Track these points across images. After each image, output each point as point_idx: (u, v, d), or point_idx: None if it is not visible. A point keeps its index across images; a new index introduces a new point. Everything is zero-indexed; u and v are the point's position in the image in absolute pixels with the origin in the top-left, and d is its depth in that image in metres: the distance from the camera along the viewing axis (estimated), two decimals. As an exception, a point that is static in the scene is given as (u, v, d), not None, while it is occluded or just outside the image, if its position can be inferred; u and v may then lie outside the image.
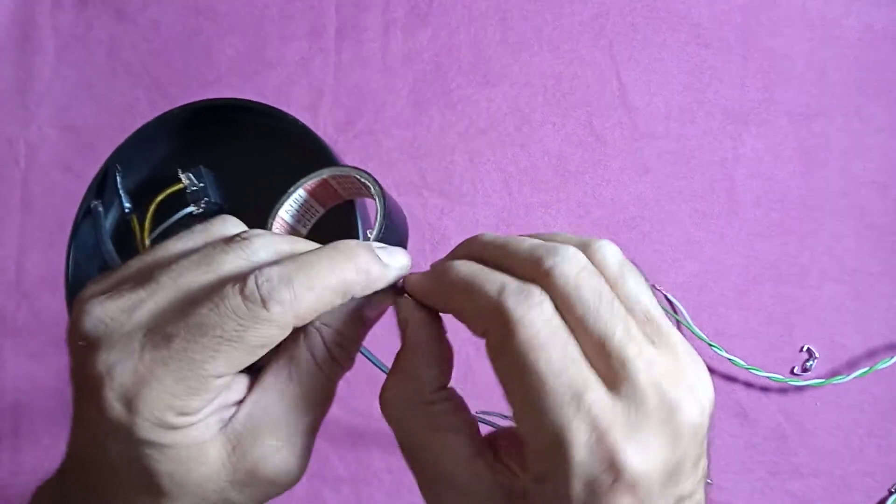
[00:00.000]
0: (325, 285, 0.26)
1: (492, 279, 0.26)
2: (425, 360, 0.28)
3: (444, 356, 0.29)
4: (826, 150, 0.60)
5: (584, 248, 0.26)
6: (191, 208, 0.42)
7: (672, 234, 0.60)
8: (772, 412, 0.57)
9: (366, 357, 0.38)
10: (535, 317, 0.24)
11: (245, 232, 0.28)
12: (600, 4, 0.63)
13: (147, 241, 0.42)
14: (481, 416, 0.47)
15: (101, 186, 0.43)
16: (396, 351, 0.29)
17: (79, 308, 0.26)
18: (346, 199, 0.36)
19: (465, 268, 0.27)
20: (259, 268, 0.25)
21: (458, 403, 0.28)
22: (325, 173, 0.34)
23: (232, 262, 0.26)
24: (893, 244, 0.58)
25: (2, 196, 0.66)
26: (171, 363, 0.24)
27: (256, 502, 0.28)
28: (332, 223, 0.36)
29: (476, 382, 0.59)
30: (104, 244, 0.40)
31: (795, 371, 0.57)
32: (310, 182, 0.34)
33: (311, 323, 0.27)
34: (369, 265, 0.27)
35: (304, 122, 0.41)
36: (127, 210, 0.43)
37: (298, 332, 0.27)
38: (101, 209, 0.42)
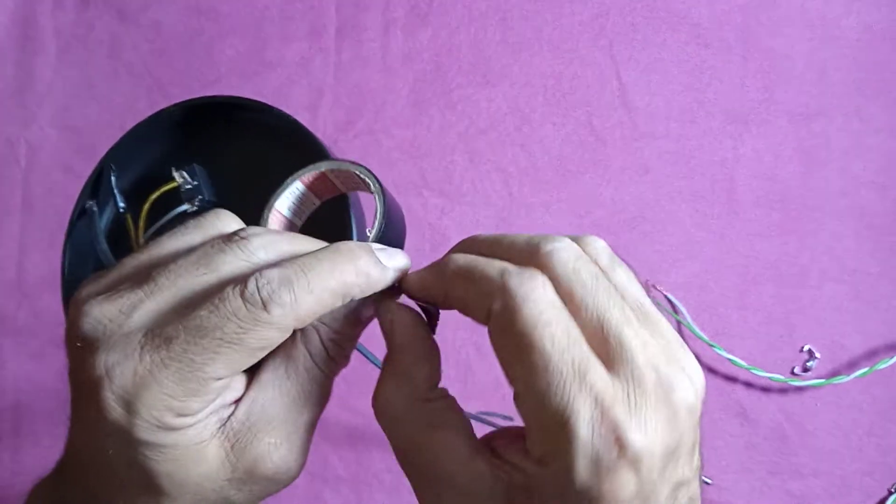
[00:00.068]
0: (324, 288, 0.26)
1: (492, 264, 0.26)
2: (417, 358, 0.28)
3: (434, 354, 0.29)
4: (826, 150, 0.60)
5: (576, 241, 0.27)
6: (185, 206, 0.42)
7: (672, 234, 0.60)
8: (772, 412, 0.57)
9: (362, 353, 0.38)
10: (539, 296, 0.24)
11: (243, 230, 0.28)
12: (600, 4, 0.63)
13: (141, 241, 0.42)
14: (481, 416, 0.47)
15: (96, 186, 0.43)
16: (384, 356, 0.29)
17: (76, 309, 0.26)
18: (343, 192, 0.36)
19: (465, 258, 0.28)
20: (259, 269, 0.25)
21: (453, 402, 0.28)
22: (322, 166, 0.33)
23: (231, 262, 0.26)
24: (893, 244, 0.58)
25: (2, 196, 0.66)
26: (171, 365, 0.24)
27: (255, 499, 0.28)
28: (326, 214, 0.36)
29: (476, 383, 0.59)
30: (99, 244, 0.40)
31: (796, 371, 0.57)
32: (307, 175, 0.33)
33: None
34: (369, 267, 0.27)
35: (305, 122, 0.41)
36: (121, 209, 0.43)
37: (295, 330, 0.27)
38: (95, 209, 0.42)
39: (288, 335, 0.26)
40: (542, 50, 0.63)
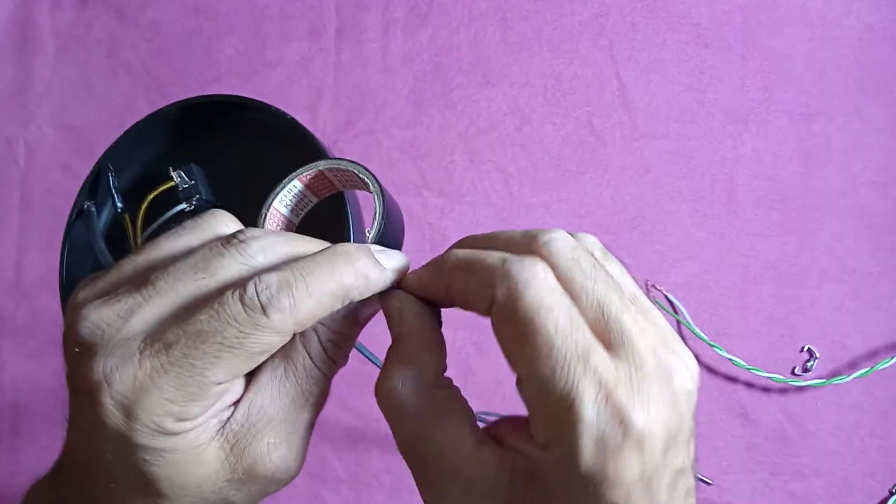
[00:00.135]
0: (324, 291, 0.25)
1: (492, 255, 0.26)
2: (425, 345, 0.28)
3: (441, 343, 0.29)
4: (826, 150, 0.60)
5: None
6: (182, 206, 0.42)
7: (672, 234, 0.60)
8: (773, 413, 0.57)
9: (360, 352, 0.37)
10: (541, 282, 0.25)
11: (241, 233, 0.27)
12: (600, 4, 0.63)
13: (139, 240, 0.42)
14: (481, 415, 0.47)
15: (95, 186, 0.43)
16: (389, 346, 0.29)
17: (73, 313, 0.26)
18: (341, 190, 0.36)
19: (464, 252, 0.28)
20: (258, 273, 0.25)
21: (457, 391, 0.28)
22: (320, 165, 0.33)
23: (229, 266, 0.26)
24: (893, 244, 0.58)
25: (1, 196, 0.66)
26: (171, 370, 0.24)
27: (255, 499, 0.28)
28: (323, 212, 0.36)
29: (476, 383, 0.59)
30: (97, 243, 0.40)
31: (796, 371, 0.57)
32: (306, 174, 0.33)
33: None
34: (368, 269, 0.27)
35: (304, 123, 0.41)
36: (119, 209, 0.43)
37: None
38: (93, 209, 0.42)
39: (288, 339, 0.26)
40: (542, 50, 0.63)
